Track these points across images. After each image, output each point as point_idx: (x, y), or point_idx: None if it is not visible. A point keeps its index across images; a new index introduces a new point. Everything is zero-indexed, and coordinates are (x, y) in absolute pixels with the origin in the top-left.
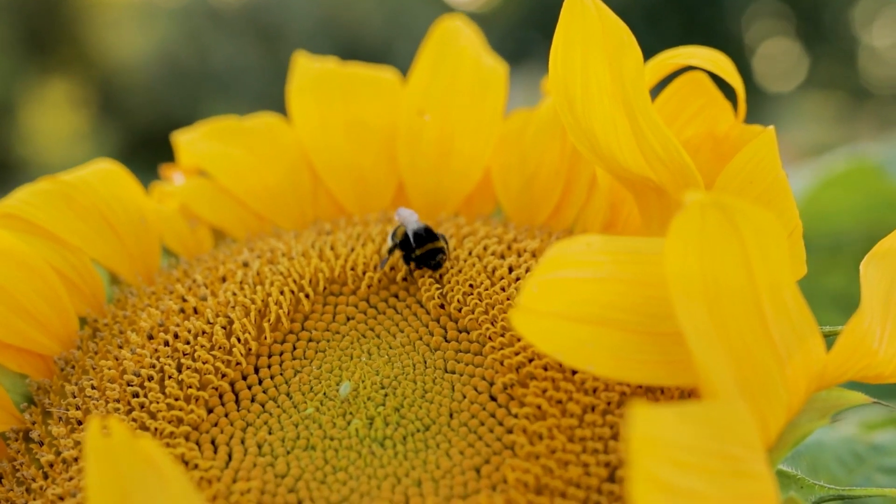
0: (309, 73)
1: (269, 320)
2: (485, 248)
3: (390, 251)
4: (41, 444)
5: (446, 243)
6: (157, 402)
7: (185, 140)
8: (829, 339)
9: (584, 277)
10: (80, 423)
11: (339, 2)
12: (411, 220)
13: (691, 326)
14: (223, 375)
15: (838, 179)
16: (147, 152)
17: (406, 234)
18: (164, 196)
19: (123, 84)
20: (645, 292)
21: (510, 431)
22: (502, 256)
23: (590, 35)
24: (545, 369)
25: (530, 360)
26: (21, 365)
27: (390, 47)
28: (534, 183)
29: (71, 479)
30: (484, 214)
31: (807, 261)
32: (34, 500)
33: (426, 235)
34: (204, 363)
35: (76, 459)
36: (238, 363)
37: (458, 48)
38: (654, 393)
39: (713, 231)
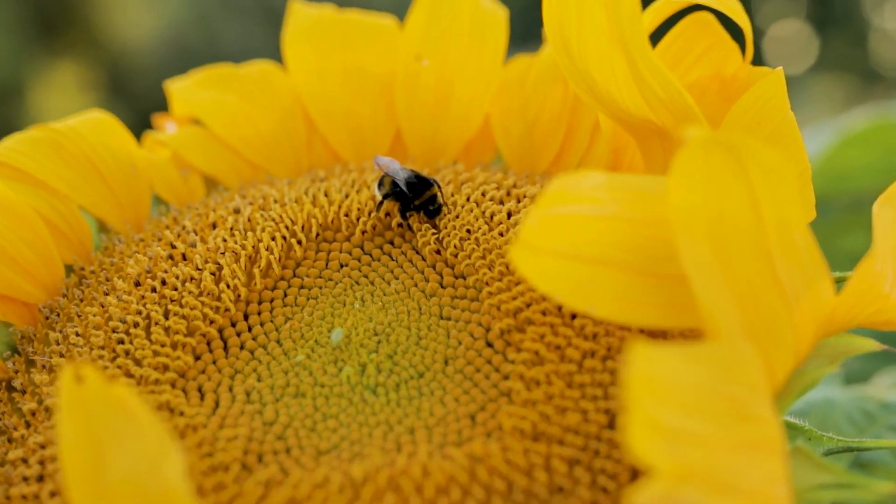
0: (305, 19)
1: (259, 266)
2: (483, 194)
3: (380, 203)
4: (23, 392)
5: (440, 188)
6: (143, 349)
7: (178, 88)
8: (840, 285)
9: (587, 214)
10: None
11: None
12: (395, 167)
13: (695, 266)
14: (211, 322)
15: (858, 137)
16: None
17: (396, 184)
18: (155, 145)
19: (132, 66)
20: (649, 232)
21: (507, 378)
22: (501, 202)
23: None
24: (543, 314)
25: (528, 305)
26: (5, 313)
27: None
28: (535, 129)
29: (53, 426)
30: (484, 162)
31: (826, 221)
32: (15, 448)
33: (419, 182)
34: (192, 309)
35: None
36: (227, 309)
37: None
38: (655, 338)
39: (717, 168)
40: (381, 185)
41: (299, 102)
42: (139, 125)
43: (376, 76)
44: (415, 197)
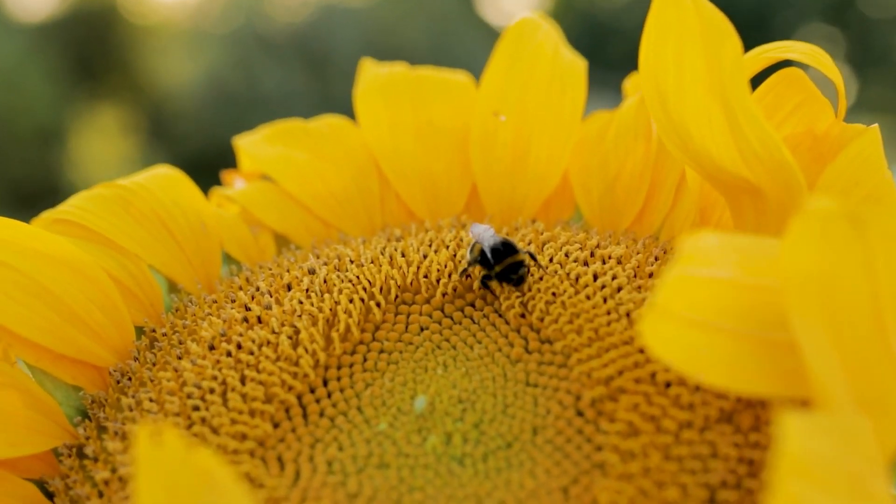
0: (377, 76)
1: (337, 330)
2: (566, 255)
3: (465, 269)
4: (95, 460)
5: (534, 258)
6: (220, 416)
7: (246, 143)
8: None
9: (704, 277)
10: None
11: (385, 29)
12: (486, 235)
13: (806, 334)
14: (290, 388)
15: None
16: (197, 178)
17: (483, 251)
18: (224, 201)
19: (173, 110)
20: (760, 297)
21: (600, 449)
22: (585, 263)
23: (684, 23)
24: (637, 382)
25: (620, 373)
26: (75, 377)
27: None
28: (616, 186)
29: (127, 497)
30: (563, 220)
31: None
32: None
33: (504, 250)
34: (269, 375)
35: (133, 477)
36: (305, 375)
37: (535, 44)
38: (753, 409)
39: (836, 236)
40: (472, 251)
41: (372, 159)
42: (180, 169)
43: (450, 132)
44: (496, 263)
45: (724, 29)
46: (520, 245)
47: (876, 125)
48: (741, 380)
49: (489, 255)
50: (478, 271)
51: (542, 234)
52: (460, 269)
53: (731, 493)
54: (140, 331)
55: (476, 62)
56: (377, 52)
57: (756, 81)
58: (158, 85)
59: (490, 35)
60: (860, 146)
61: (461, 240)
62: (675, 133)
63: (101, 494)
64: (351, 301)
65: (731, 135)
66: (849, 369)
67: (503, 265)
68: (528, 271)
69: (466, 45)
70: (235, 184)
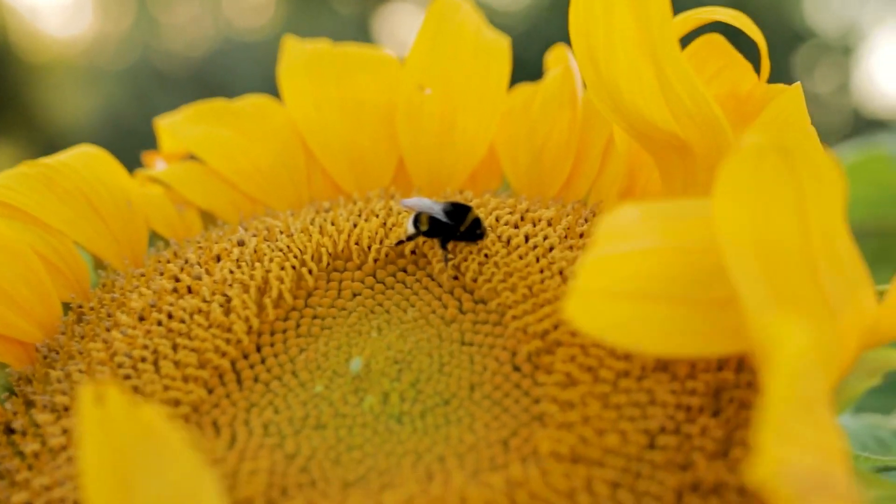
0: (301, 53)
1: (270, 296)
2: (497, 219)
3: (412, 236)
4: (24, 434)
5: (471, 207)
6: (152, 384)
7: (168, 123)
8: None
9: (631, 251)
10: (66, 409)
11: None
12: (427, 203)
13: (743, 280)
14: (223, 354)
15: (848, 170)
16: None
17: (434, 219)
18: (147, 182)
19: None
20: (686, 259)
21: (538, 402)
22: (516, 226)
23: None
24: (573, 335)
25: (556, 327)
26: (1, 353)
27: None
28: (543, 155)
29: (59, 467)
30: (491, 190)
31: None
32: (19, 492)
33: (456, 210)
34: (202, 342)
35: (64, 447)
36: (239, 341)
37: (457, 22)
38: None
39: (769, 178)
40: (416, 223)
41: (297, 135)
42: None
43: (376, 107)
44: (458, 224)
45: None
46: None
47: (798, 83)
48: (678, 344)
49: (445, 219)
50: (434, 241)
51: (471, 200)
52: (408, 247)
53: (671, 438)
54: (67, 307)
55: None
56: (276, 87)
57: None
58: (54, 121)
59: None
60: (783, 103)
61: (391, 209)
62: (606, 91)
63: (30, 468)
64: (282, 268)
65: (660, 91)
66: (782, 306)
67: (466, 224)
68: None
69: None
70: (157, 165)
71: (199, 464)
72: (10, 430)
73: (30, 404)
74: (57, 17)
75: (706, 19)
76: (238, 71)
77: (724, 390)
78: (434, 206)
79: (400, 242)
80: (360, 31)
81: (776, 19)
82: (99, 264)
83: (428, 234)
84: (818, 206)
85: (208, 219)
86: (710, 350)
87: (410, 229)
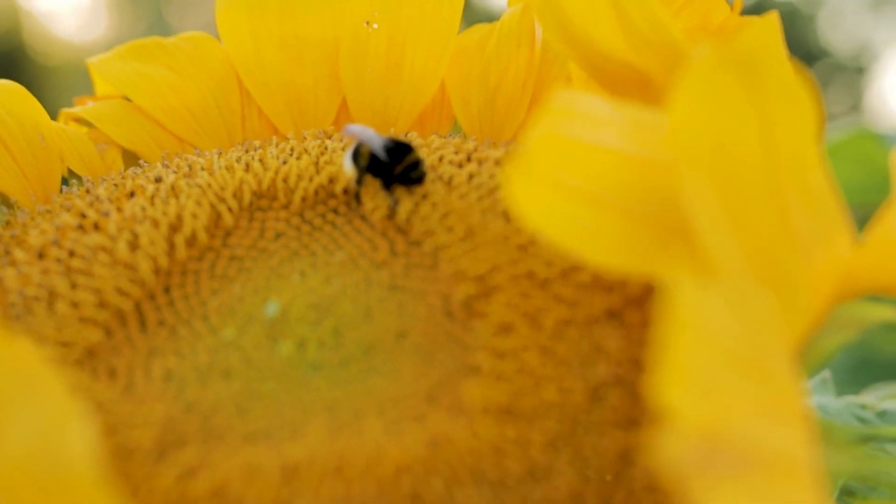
0: None
1: (183, 234)
2: (440, 159)
3: (360, 178)
4: None
5: (412, 146)
6: (45, 325)
7: (98, 61)
8: None
9: (593, 144)
10: None
11: None
12: (369, 134)
13: (696, 204)
14: (125, 294)
15: (834, 150)
16: None
17: (373, 154)
18: (70, 120)
19: None
20: (648, 173)
21: (470, 351)
22: (460, 166)
23: None
24: (513, 279)
25: (494, 270)
26: None
27: None
28: (497, 97)
29: None
30: (440, 134)
31: None
32: None
33: (397, 148)
34: (103, 281)
35: None
36: (144, 281)
37: None
38: (641, 306)
39: (728, 93)
40: (355, 156)
41: (233, 73)
42: None
43: (318, 44)
44: (395, 164)
45: None
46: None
47: (775, 11)
48: (628, 260)
49: (383, 156)
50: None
51: (415, 140)
52: (350, 177)
53: (615, 392)
54: None
55: None
56: None
57: None
58: None
59: None
60: (756, 33)
61: (325, 147)
62: (555, 19)
63: None
64: (199, 205)
65: (616, 17)
66: (746, 247)
67: (403, 165)
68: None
69: None
70: (86, 105)
71: (71, 407)
72: None
73: None
74: (72, 20)
75: None
76: None
77: None
78: (376, 138)
79: (360, 181)
80: None
81: (790, 38)
82: (4, 201)
83: (368, 170)
84: (786, 130)
85: (132, 160)
86: (655, 270)
87: (349, 164)
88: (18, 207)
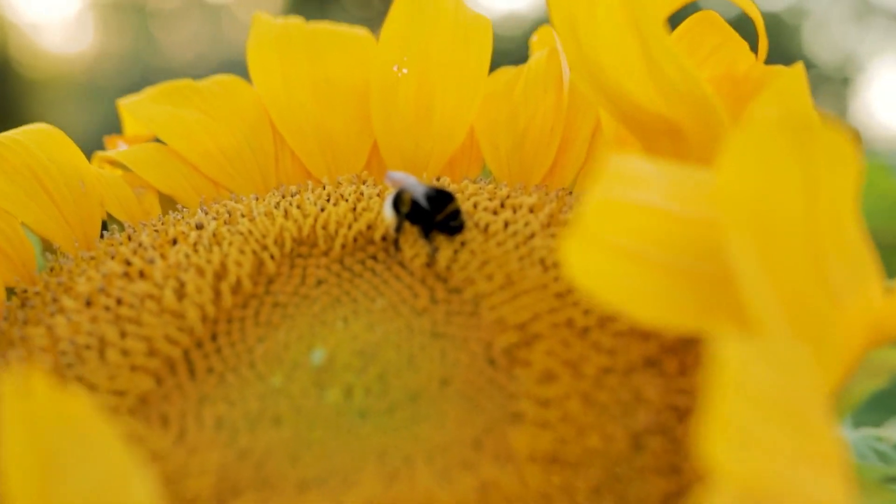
0: (271, 29)
1: (227, 282)
2: (475, 205)
3: (399, 225)
4: None
5: (454, 196)
6: (97, 373)
7: (130, 104)
8: None
9: (641, 204)
10: None
11: None
12: (411, 182)
13: (739, 258)
14: (174, 342)
15: None
16: None
17: (415, 201)
18: (105, 164)
19: None
20: (691, 229)
21: (514, 398)
22: (495, 212)
23: None
24: (553, 327)
25: (534, 319)
26: None
27: None
28: (525, 141)
29: None
30: (470, 178)
31: None
32: None
33: (438, 196)
34: (152, 329)
35: None
36: (192, 328)
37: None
38: (678, 354)
39: (777, 153)
40: (395, 203)
41: (266, 116)
42: None
43: (349, 88)
44: (436, 212)
45: None
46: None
47: (800, 62)
48: (671, 315)
49: (425, 203)
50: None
51: (449, 186)
52: (392, 224)
53: (657, 439)
54: (11, 292)
55: None
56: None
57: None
58: None
59: None
60: (783, 85)
61: (362, 193)
62: (588, 70)
63: None
64: (242, 252)
65: (647, 70)
66: (785, 300)
67: (444, 213)
68: (464, 217)
69: None
70: (119, 147)
71: (130, 459)
72: None
73: None
74: (58, 33)
75: None
76: None
77: None
78: (418, 186)
79: (398, 227)
80: None
81: (774, 49)
82: (48, 247)
83: (408, 217)
84: (829, 188)
85: (169, 203)
86: (698, 325)
87: (389, 211)
88: (61, 253)
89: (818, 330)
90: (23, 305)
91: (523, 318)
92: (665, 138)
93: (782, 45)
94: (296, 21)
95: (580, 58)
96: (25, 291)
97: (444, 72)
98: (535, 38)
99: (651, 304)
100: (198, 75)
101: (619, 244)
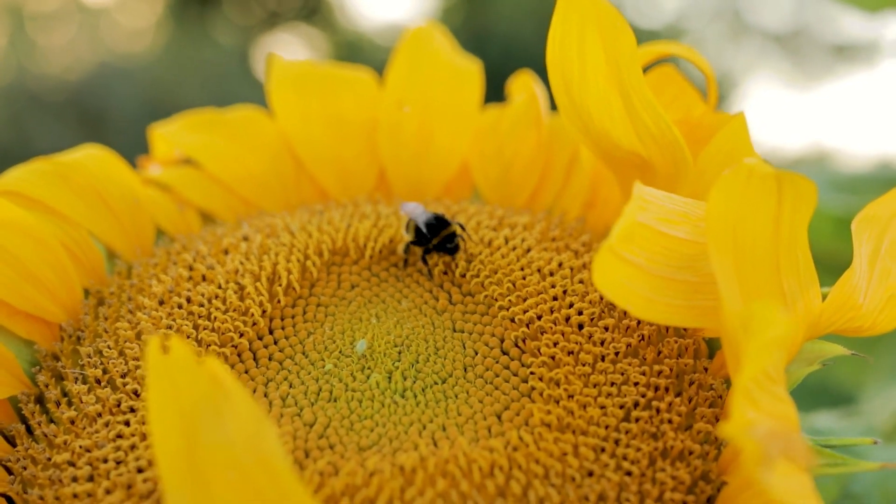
0: (288, 69)
1: (280, 285)
2: (478, 223)
3: (406, 248)
4: (58, 404)
5: (462, 227)
6: None
7: (166, 131)
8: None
9: (652, 225)
10: (98, 381)
11: (161, 86)
12: (418, 211)
13: (719, 270)
14: (241, 334)
15: None
16: None
17: (418, 228)
18: (149, 182)
19: None
20: (682, 245)
21: (526, 381)
22: (495, 229)
23: (586, 19)
24: (554, 324)
25: (539, 317)
26: (30, 332)
27: None
28: (511, 171)
29: (97, 432)
30: (463, 199)
31: None
32: (60, 453)
33: (437, 223)
34: (222, 323)
35: (100, 414)
36: (255, 323)
37: (433, 47)
38: (654, 345)
39: (757, 191)
40: (408, 229)
41: (287, 145)
42: None
43: (357, 123)
44: (432, 237)
45: (620, 25)
46: (449, 217)
47: (742, 112)
48: (666, 317)
49: (424, 229)
50: (414, 247)
51: (451, 207)
52: (401, 246)
53: (643, 412)
54: (86, 292)
55: None
56: (154, 108)
57: None
58: None
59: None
60: (731, 131)
61: (379, 213)
62: (578, 116)
63: (67, 432)
64: (289, 261)
65: (628, 117)
66: (747, 296)
67: (439, 238)
68: (461, 240)
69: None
70: (151, 169)
71: (262, 413)
72: (41, 401)
73: (59, 378)
74: None
75: (665, 52)
76: (115, 96)
77: (685, 374)
78: (422, 215)
79: (406, 248)
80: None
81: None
82: (111, 255)
83: (414, 241)
84: (790, 220)
85: (206, 218)
86: (684, 322)
87: (404, 234)
88: (123, 260)
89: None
90: (100, 304)
91: (530, 316)
92: (636, 171)
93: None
94: (308, 63)
95: (572, 108)
96: (99, 292)
97: (442, 110)
98: (513, 83)
99: (652, 309)
100: (74, 81)
101: (629, 256)
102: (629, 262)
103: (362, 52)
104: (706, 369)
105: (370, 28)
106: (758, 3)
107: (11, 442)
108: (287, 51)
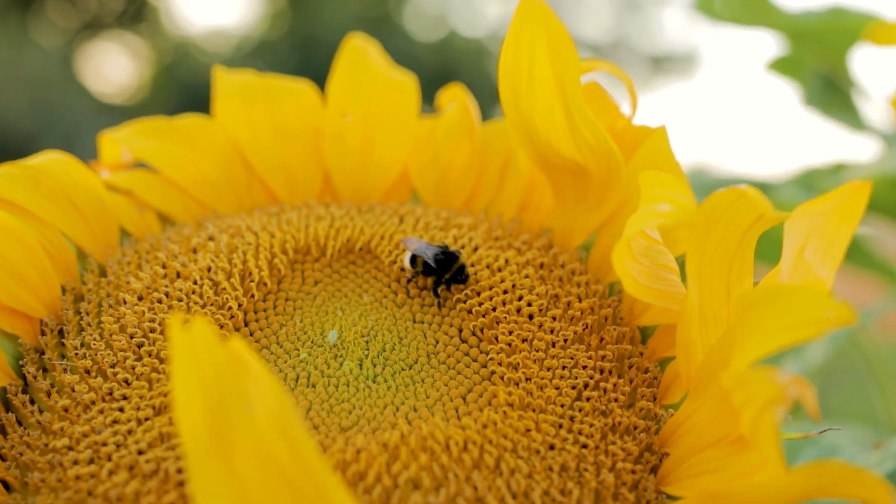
0: (233, 81)
1: (252, 281)
2: (427, 224)
3: (414, 275)
4: (49, 394)
5: (459, 255)
6: (165, 350)
7: (120, 136)
8: None
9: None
10: (88, 371)
11: None
12: (423, 247)
13: (689, 268)
14: (221, 326)
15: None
16: None
17: (426, 263)
18: (109, 186)
19: None
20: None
21: (485, 366)
22: (443, 230)
23: (537, 36)
24: (508, 314)
25: (494, 309)
26: (13, 326)
27: (38, 138)
28: (447, 176)
29: (93, 418)
30: (403, 202)
31: None
32: (57, 439)
33: (446, 258)
34: (202, 316)
35: (94, 402)
36: (233, 316)
37: (370, 60)
38: (598, 333)
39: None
40: (413, 261)
41: (237, 151)
42: None
43: (301, 132)
44: (444, 272)
45: (567, 45)
46: (453, 247)
47: (664, 125)
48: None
49: (434, 265)
50: (427, 280)
51: (399, 209)
52: (408, 273)
53: (593, 392)
54: (63, 290)
55: (79, 126)
56: None
57: None
58: None
59: (93, 102)
60: (655, 141)
61: (333, 215)
62: (524, 125)
63: (62, 419)
64: (257, 259)
65: (569, 128)
66: (703, 292)
67: (451, 272)
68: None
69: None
70: (101, 174)
71: (285, 391)
72: (26, 392)
73: (46, 370)
74: None
75: (593, 68)
76: None
77: (626, 357)
78: (427, 250)
79: (411, 280)
80: (64, 65)
81: (476, 74)
82: (80, 255)
83: (422, 272)
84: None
85: (164, 220)
86: (659, 301)
87: (408, 266)
88: (93, 259)
89: (716, 311)
90: (79, 300)
91: (486, 308)
92: (570, 175)
93: (483, 72)
94: (252, 76)
95: (517, 117)
96: (75, 289)
97: (382, 121)
98: (443, 94)
99: (643, 291)
100: None
101: (632, 244)
102: (630, 249)
103: (190, 58)
104: (642, 354)
105: (196, 34)
106: (579, 15)
107: (2, 431)
108: (112, 59)
